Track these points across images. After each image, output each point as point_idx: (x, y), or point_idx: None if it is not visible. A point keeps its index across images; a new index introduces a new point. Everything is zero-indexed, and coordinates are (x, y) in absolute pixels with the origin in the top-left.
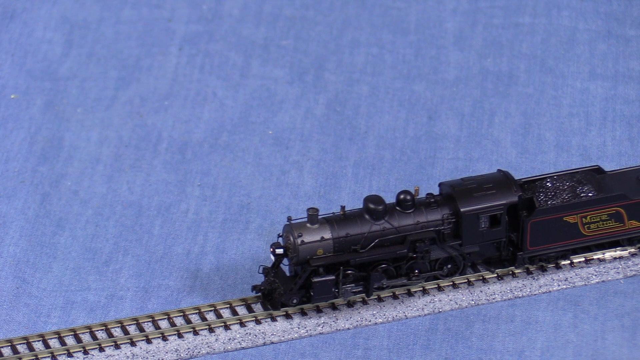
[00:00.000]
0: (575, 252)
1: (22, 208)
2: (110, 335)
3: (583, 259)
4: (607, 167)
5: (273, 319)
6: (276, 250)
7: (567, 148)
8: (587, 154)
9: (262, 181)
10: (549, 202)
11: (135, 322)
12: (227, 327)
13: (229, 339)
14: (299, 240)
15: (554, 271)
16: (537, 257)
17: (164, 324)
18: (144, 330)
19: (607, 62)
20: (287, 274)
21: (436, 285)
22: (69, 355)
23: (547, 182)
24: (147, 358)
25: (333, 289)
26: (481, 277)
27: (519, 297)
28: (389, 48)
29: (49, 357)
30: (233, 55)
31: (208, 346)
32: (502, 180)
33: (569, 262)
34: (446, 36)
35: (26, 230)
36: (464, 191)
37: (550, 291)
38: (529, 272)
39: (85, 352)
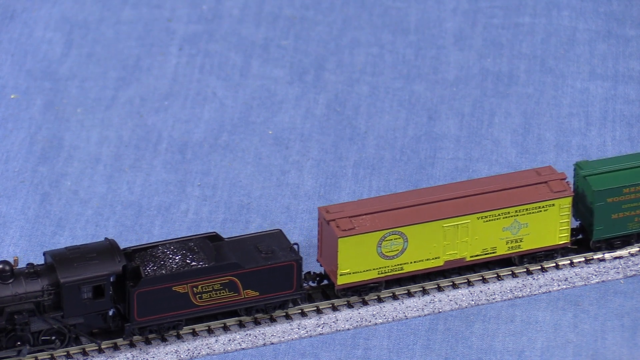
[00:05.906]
0: (189, 322)
1: (22, 208)
2: None
3: (583, 259)
4: None
5: (272, 320)
6: None
7: (567, 148)
8: (587, 154)
9: (262, 181)
10: (157, 272)
11: None
12: (226, 328)
13: (229, 340)
14: None
15: (553, 271)
16: (148, 328)
17: None
18: None
19: (607, 62)
20: None
21: (436, 285)
22: (69, 356)
23: (159, 250)
24: (146, 359)
25: None
26: (481, 277)
27: (519, 297)
28: (389, 48)
29: (49, 357)
30: (233, 55)
31: (208, 347)
32: (106, 250)
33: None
34: (446, 36)
35: (26, 230)
36: (65, 261)
37: (550, 291)
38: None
39: (85, 354)
